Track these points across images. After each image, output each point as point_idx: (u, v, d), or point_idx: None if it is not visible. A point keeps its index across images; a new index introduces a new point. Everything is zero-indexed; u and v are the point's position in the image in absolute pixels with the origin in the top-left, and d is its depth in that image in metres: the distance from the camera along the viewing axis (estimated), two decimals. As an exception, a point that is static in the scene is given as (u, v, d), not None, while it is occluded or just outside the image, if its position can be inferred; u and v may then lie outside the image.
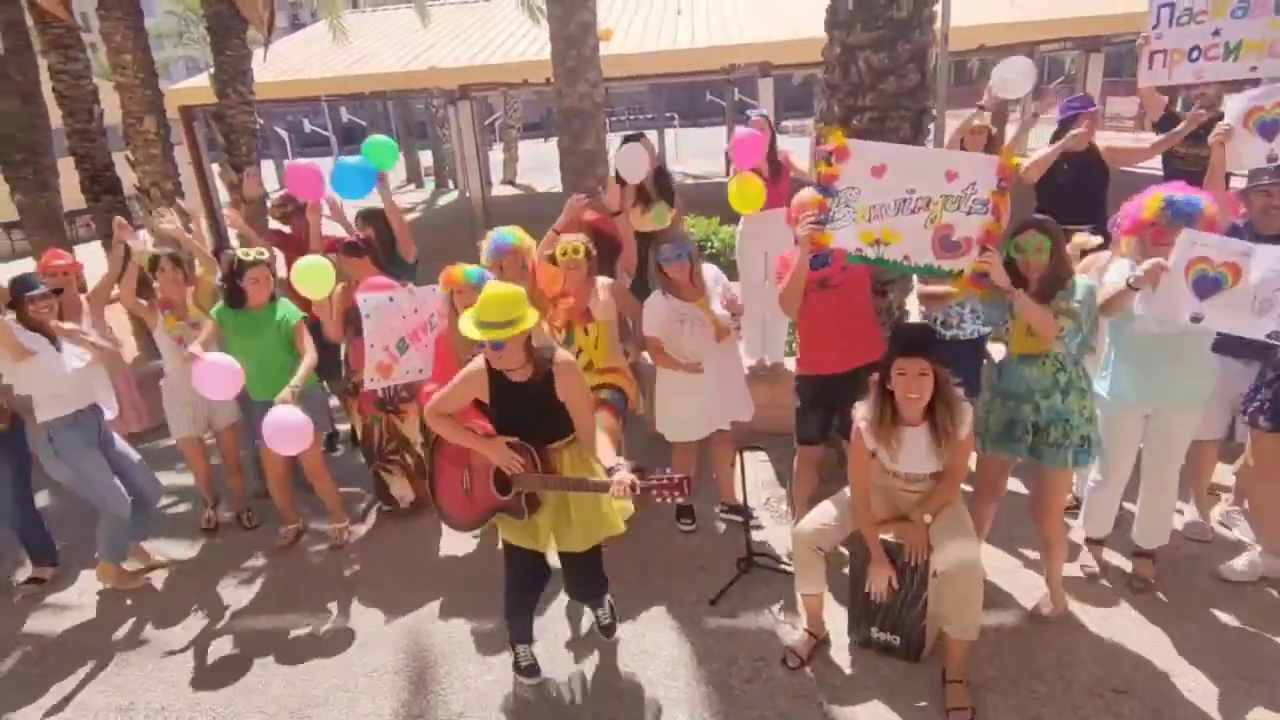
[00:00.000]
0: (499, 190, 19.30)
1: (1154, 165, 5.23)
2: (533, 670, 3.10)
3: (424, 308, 4.06)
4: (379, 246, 4.56)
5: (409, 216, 4.57)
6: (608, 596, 3.23)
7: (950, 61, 4.84)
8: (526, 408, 2.69)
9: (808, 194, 3.38)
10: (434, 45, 12.48)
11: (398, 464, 4.37)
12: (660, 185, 4.86)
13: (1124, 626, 3.15)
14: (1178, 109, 5.23)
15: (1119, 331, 3.13)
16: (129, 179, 7.42)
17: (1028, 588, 3.38)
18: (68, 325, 3.76)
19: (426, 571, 3.95)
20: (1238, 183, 3.63)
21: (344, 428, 5.19)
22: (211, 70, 7.70)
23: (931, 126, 3.51)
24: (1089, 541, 3.51)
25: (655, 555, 3.83)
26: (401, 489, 4.40)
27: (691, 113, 34.68)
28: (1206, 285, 2.69)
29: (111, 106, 7.29)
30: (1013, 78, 4.44)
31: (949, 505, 2.82)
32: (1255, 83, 3.58)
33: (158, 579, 4.09)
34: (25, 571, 4.17)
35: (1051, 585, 3.21)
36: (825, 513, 2.97)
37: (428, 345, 4.04)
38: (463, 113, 12.30)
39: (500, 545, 3.05)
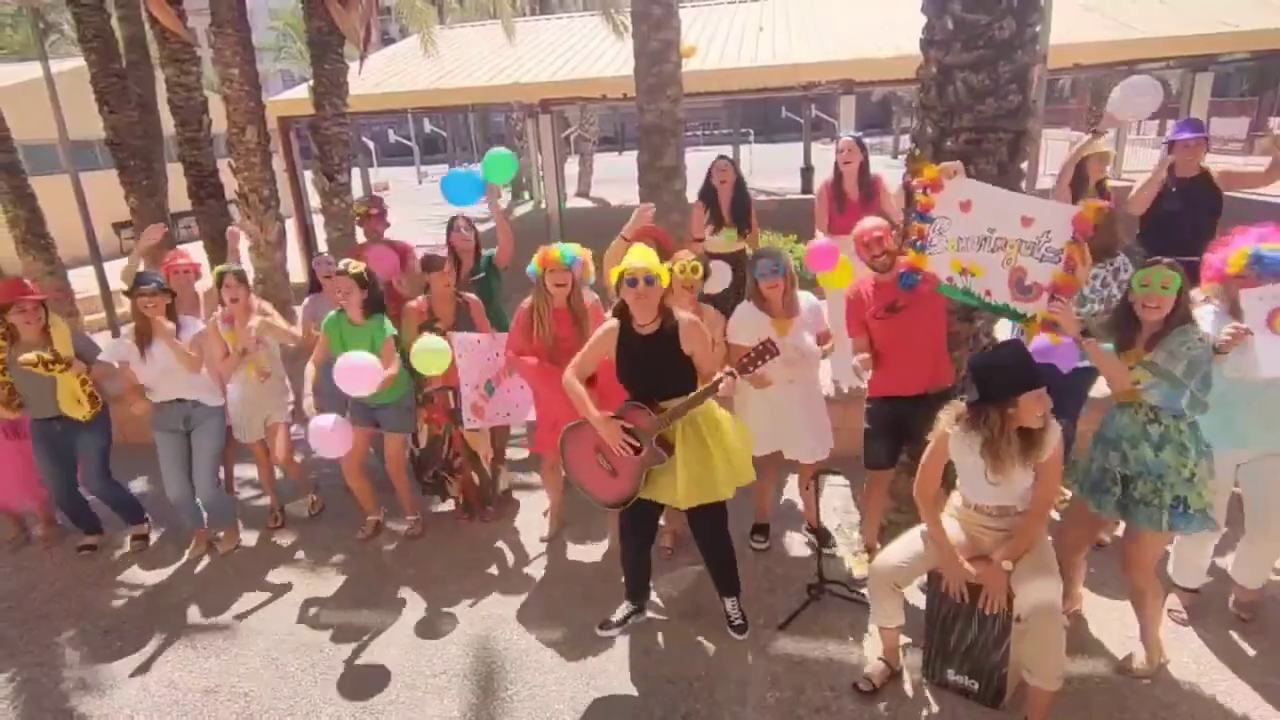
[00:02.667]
0: (573, 202, 19.59)
1: (1274, 191, 4.92)
2: (611, 625, 3.41)
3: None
4: (471, 251, 4.68)
5: (484, 226, 4.70)
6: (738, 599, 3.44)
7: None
8: (651, 358, 3.02)
9: (871, 223, 3.34)
10: (516, 60, 12.78)
11: (457, 479, 4.48)
12: (736, 207, 4.85)
13: (1226, 679, 2.94)
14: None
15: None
16: (230, 185, 7.84)
17: (1120, 636, 3.19)
18: (169, 326, 4.02)
19: (498, 575, 4.01)
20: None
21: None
22: (310, 83, 8.06)
23: (1029, 149, 3.39)
24: (1179, 589, 3.32)
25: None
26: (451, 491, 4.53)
27: (767, 128, 34.53)
28: None
29: (217, 116, 7.72)
30: (1137, 99, 4.24)
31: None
32: None
33: (241, 567, 4.27)
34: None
35: (1146, 639, 3.00)
36: (905, 549, 2.87)
37: (509, 390, 4.21)
38: (543, 126, 12.55)
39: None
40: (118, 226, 15.29)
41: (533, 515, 4.58)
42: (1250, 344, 2.69)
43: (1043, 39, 3.89)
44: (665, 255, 4.15)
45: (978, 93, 3.12)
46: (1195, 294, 2.99)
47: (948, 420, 2.72)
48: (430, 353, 3.83)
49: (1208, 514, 2.71)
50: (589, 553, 4.17)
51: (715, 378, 2.90)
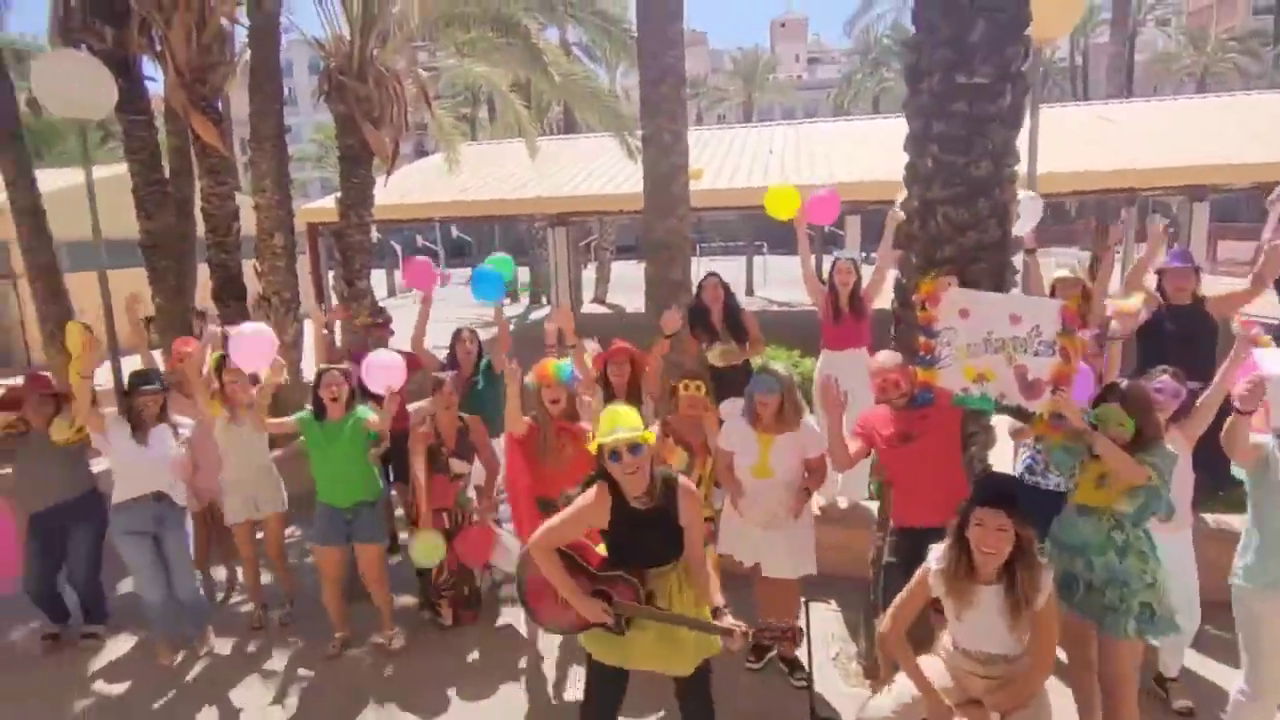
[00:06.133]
0: (589, 308, 20.01)
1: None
2: None
3: None
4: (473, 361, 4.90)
5: (485, 333, 4.87)
6: None
7: (1045, 203, 4.81)
8: (646, 534, 2.69)
9: (889, 361, 3.34)
10: (539, 175, 13.42)
11: (449, 597, 4.45)
12: (730, 321, 4.99)
13: None
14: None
15: (1266, 504, 2.85)
16: (253, 286, 8.14)
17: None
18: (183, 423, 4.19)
19: (479, 696, 3.85)
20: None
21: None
22: (338, 195, 8.51)
23: (1017, 277, 3.48)
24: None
25: (716, 711, 3.60)
26: (446, 617, 4.47)
27: (781, 241, 35.50)
28: None
29: (246, 219, 8.12)
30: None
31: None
32: None
33: (216, 678, 4.14)
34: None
35: None
36: (894, 699, 2.73)
37: None
38: (559, 237, 13.04)
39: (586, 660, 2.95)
40: (147, 321, 15.83)
41: (518, 635, 4.41)
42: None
43: (1029, 173, 4.04)
44: (637, 372, 4.25)
45: (959, 226, 3.24)
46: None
47: (933, 557, 2.67)
48: (429, 546, 4.10)
49: (1173, 619, 2.72)
50: (576, 676, 3.99)
51: (730, 627, 2.55)
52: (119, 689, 4.08)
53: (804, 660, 3.69)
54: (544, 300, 22.28)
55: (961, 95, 3.09)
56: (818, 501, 4.45)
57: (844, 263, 5.05)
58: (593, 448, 2.70)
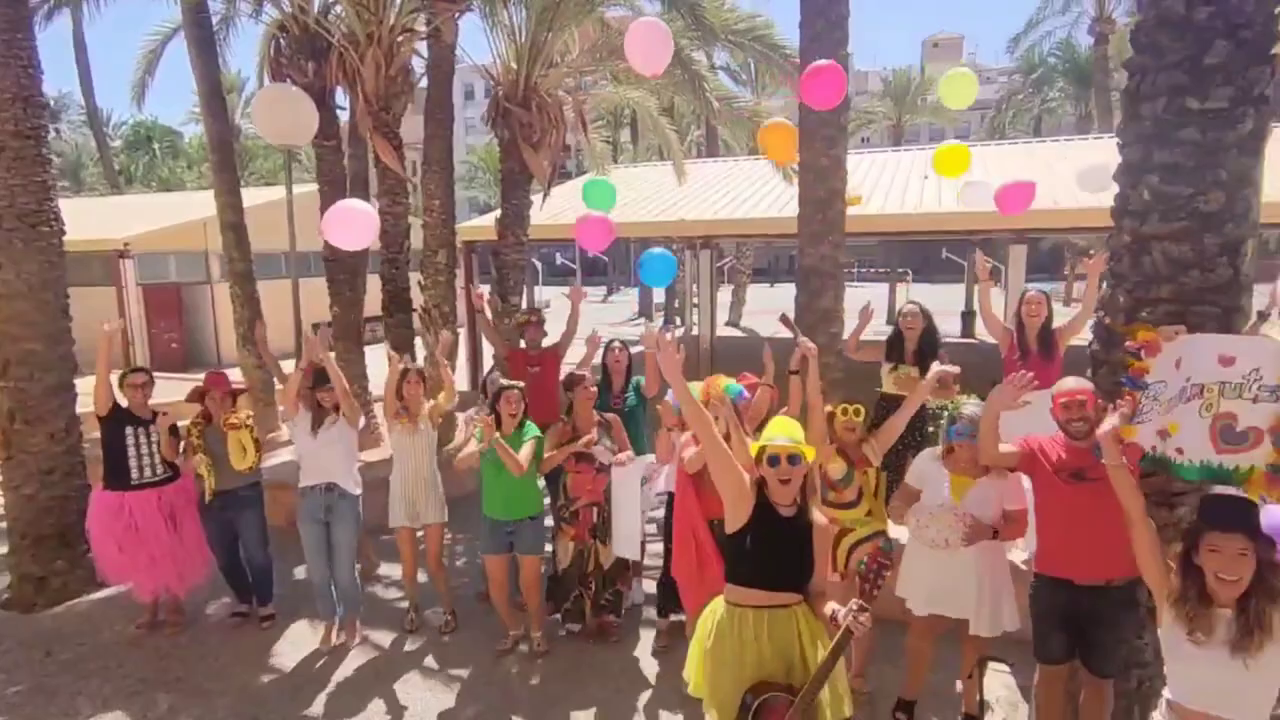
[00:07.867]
0: (723, 331, 19.93)
1: None
2: None
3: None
4: (623, 372, 4.99)
5: (636, 349, 4.91)
6: None
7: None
8: (783, 541, 2.66)
9: (1075, 384, 3.07)
10: (682, 197, 13.53)
11: (591, 591, 4.48)
12: (923, 353, 4.80)
13: None
14: None
15: None
16: (416, 299, 8.68)
17: None
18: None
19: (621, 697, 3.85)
20: None
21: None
22: (497, 214, 8.95)
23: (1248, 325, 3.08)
24: None
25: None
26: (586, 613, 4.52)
27: (925, 268, 34.02)
28: None
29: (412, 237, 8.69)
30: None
31: None
32: None
33: (380, 669, 4.38)
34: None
35: None
36: None
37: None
38: (702, 261, 13.06)
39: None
40: (314, 326, 17.28)
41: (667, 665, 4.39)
42: None
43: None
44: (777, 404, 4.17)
45: (1180, 264, 2.92)
46: None
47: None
48: None
49: None
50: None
51: (846, 623, 2.40)
52: (290, 664, 4.45)
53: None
54: (678, 321, 22.42)
55: (1192, 121, 2.80)
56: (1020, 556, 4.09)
57: (1034, 294, 4.71)
58: (753, 450, 2.73)
